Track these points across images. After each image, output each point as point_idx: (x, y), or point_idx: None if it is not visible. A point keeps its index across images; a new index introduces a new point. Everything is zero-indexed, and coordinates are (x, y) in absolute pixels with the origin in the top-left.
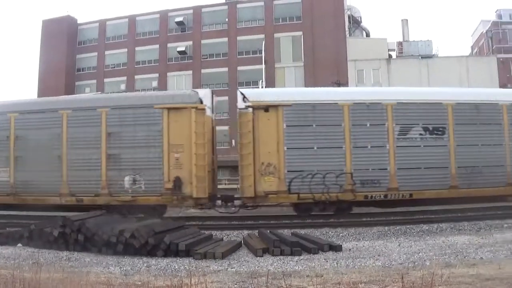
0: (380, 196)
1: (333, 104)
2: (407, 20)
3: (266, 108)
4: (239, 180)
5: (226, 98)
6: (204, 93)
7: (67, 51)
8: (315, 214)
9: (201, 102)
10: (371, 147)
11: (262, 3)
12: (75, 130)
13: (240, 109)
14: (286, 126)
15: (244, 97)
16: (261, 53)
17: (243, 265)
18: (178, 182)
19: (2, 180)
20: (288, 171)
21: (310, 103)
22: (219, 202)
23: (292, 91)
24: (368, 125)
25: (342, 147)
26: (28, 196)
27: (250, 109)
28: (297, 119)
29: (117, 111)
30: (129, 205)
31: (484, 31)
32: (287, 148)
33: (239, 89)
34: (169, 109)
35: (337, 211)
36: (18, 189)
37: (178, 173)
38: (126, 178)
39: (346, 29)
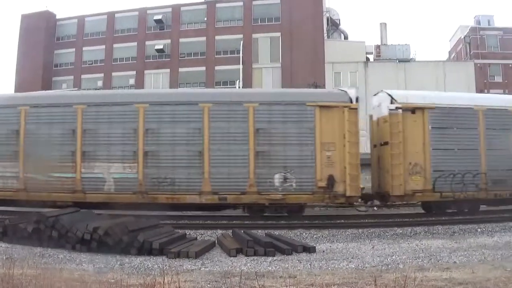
0: (506, 195)
1: (469, 109)
2: (385, 23)
3: (413, 110)
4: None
5: None
6: (354, 92)
7: (45, 46)
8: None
9: (351, 101)
10: (500, 149)
11: (241, 3)
12: (218, 125)
13: (390, 110)
14: (431, 128)
15: (392, 98)
16: (239, 53)
17: (217, 265)
18: (331, 181)
19: (128, 176)
20: (433, 170)
21: (450, 107)
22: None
23: (433, 94)
24: (498, 129)
25: (477, 149)
26: (160, 194)
27: (400, 111)
28: (440, 122)
29: (265, 106)
30: (278, 203)
31: (462, 37)
32: (433, 149)
33: (385, 91)
34: (321, 107)
35: (469, 209)
36: (148, 187)
37: (331, 172)
38: (276, 176)
39: (325, 31)
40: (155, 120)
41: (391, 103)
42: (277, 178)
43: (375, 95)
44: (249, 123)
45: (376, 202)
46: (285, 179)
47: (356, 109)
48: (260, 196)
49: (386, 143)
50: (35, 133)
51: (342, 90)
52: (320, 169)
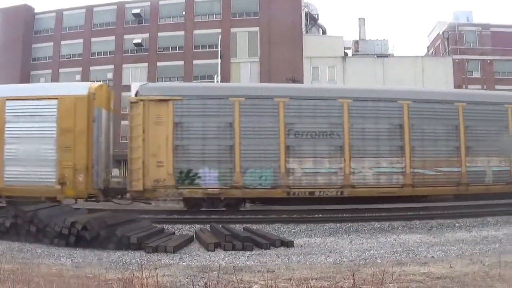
0: None
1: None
2: (364, 19)
3: None
4: None
5: None
6: None
7: (23, 40)
8: None
9: None
10: None
11: None
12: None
13: None
14: None
15: None
16: (217, 48)
17: (195, 259)
18: None
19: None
20: None
21: None
22: None
23: None
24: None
25: None
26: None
27: None
28: None
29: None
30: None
31: (441, 32)
32: None
33: None
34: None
35: None
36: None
37: None
38: None
39: (303, 26)
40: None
41: None
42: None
43: None
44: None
45: None
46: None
47: None
48: None
49: None
50: (420, 129)
51: None
52: None
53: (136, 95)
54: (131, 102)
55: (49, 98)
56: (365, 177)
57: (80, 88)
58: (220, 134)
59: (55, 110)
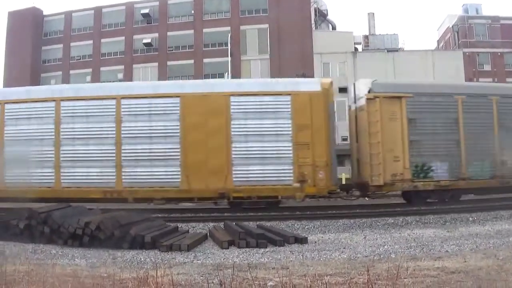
0: None
1: None
2: (373, 13)
3: None
4: None
5: None
6: None
7: (32, 42)
8: None
9: None
10: None
11: None
12: None
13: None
14: None
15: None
16: (227, 46)
17: (209, 257)
18: None
19: None
20: None
21: None
22: None
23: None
24: None
25: None
26: None
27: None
28: None
29: None
30: None
31: (451, 26)
32: None
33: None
34: None
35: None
36: None
37: None
38: None
39: (312, 22)
40: None
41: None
42: None
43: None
44: None
45: None
46: None
47: None
48: None
49: None
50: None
51: None
52: None
53: (369, 92)
54: (368, 99)
55: (281, 94)
56: None
57: (313, 84)
58: (447, 129)
59: (289, 106)
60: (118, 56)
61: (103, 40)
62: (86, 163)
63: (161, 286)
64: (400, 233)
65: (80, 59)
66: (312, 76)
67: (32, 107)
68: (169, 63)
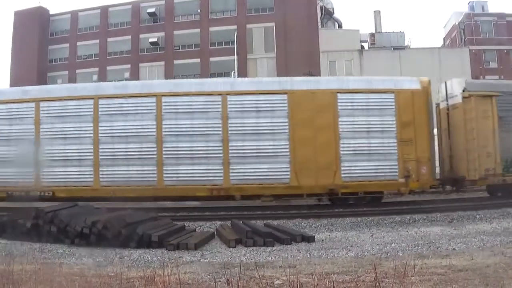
0: None
1: None
2: (379, 11)
3: None
4: None
5: None
6: None
7: (39, 42)
8: None
9: None
10: None
11: None
12: None
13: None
14: None
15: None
16: (233, 44)
17: (216, 256)
18: None
19: None
20: None
21: None
22: None
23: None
24: None
25: None
26: None
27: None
28: None
29: None
30: None
31: (457, 23)
32: None
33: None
34: None
35: None
36: None
37: None
38: None
39: (319, 20)
40: None
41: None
42: None
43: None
44: None
45: None
46: None
47: None
48: None
49: None
50: None
51: None
52: None
53: (463, 91)
54: (464, 97)
55: (386, 92)
56: None
57: (414, 82)
58: None
59: (393, 103)
60: (125, 55)
61: (109, 39)
62: (191, 160)
63: (168, 285)
64: (407, 231)
65: (86, 58)
66: (319, 75)
67: (129, 103)
68: (175, 62)
